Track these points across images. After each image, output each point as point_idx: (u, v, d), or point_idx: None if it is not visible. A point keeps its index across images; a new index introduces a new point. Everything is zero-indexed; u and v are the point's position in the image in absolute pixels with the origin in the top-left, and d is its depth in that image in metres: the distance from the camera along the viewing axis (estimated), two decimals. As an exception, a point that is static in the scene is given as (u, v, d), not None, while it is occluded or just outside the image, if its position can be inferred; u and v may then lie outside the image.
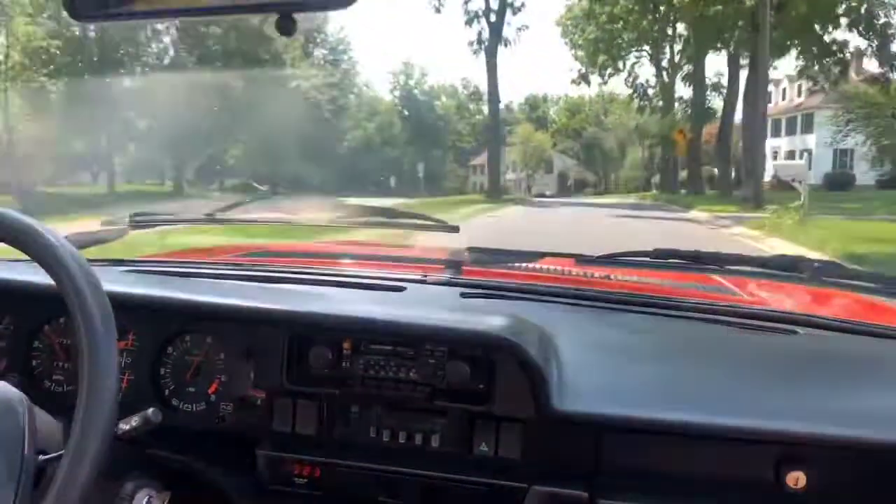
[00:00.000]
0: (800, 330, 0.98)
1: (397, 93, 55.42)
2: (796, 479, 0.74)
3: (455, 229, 1.15)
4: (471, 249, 1.18)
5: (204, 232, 1.61)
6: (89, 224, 1.27)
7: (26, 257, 0.68)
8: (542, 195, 45.40)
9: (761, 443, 0.78)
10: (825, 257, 1.05)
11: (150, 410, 0.64)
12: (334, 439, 0.89)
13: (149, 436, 0.64)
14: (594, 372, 0.87)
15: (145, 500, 0.84)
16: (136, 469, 0.64)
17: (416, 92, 56.41)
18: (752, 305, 1.10)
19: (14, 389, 0.64)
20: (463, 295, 1.08)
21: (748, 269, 1.12)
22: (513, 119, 56.90)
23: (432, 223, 1.20)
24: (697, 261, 1.12)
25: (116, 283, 0.91)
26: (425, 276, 1.15)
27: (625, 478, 0.81)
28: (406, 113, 53.76)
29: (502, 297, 1.07)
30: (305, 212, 1.29)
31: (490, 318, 0.86)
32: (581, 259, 1.18)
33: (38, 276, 0.89)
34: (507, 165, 53.72)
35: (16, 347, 0.97)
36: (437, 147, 54.49)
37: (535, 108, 64.05)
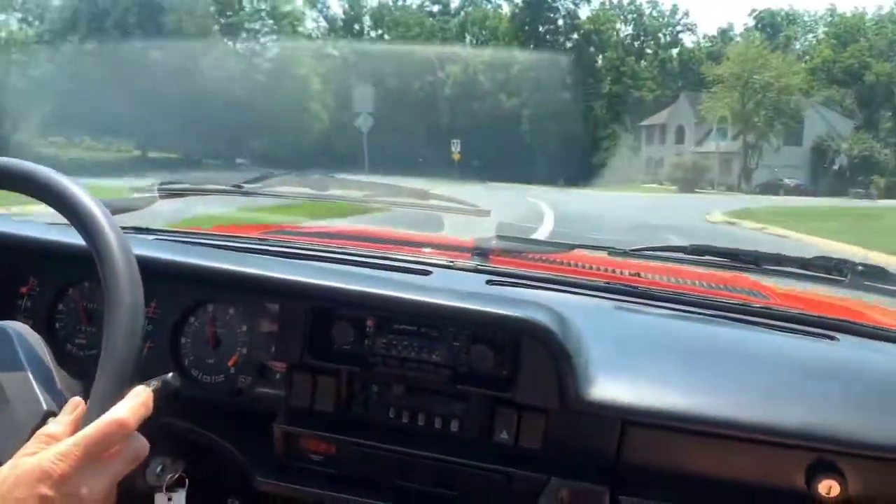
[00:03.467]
0: (839, 336, 1.22)
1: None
2: (829, 487, 0.93)
3: (486, 213, 1.55)
4: (500, 237, 1.54)
5: (232, 205, 2.31)
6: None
7: (53, 218, 0.93)
8: (780, 186, 36.23)
9: (793, 448, 0.95)
10: (870, 261, 1.18)
11: (170, 374, 0.86)
12: (352, 417, 1.13)
13: (165, 405, 0.85)
14: (621, 365, 1.07)
15: (158, 468, 1.13)
16: (150, 438, 0.81)
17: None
18: (788, 308, 1.33)
19: (31, 330, 0.93)
20: (489, 282, 1.37)
21: (787, 269, 1.42)
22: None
23: (463, 206, 1.59)
24: (734, 258, 1.43)
25: (142, 248, 1.14)
26: (452, 261, 1.47)
27: (647, 475, 1.01)
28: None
29: (529, 286, 1.36)
30: (335, 188, 1.74)
31: (517, 302, 1.08)
32: (613, 252, 1.51)
33: (65, 236, 1.17)
34: (703, 126, 45.16)
35: (40, 309, 1.30)
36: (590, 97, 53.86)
37: (773, 32, 52.59)
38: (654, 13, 58.80)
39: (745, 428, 0.97)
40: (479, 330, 1.08)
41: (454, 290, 1.13)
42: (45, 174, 0.92)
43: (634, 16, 58.06)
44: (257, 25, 38.71)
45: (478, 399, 1.09)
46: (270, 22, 38.99)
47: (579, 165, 41.84)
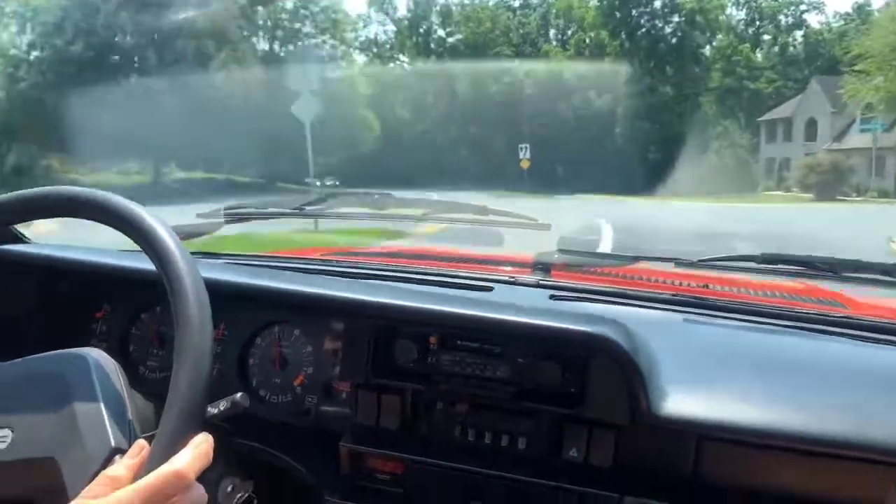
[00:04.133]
0: None
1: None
2: None
3: (546, 227, 1.69)
4: (561, 251, 1.68)
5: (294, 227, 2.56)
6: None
7: (125, 246, 1.07)
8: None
9: (880, 463, 1.00)
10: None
11: (239, 395, 0.95)
12: (418, 436, 1.25)
13: (234, 425, 0.98)
14: (694, 379, 1.16)
15: (229, 488, 1.20)
16: (220, 458, 0.93)
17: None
18: (869, 317, 1.40)
19: (108, 356, 1.03)
20: (552, 297, 1.49)
21: (868, 276, 1.50)
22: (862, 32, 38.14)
23: (524, 221, 1.75)
24: (809, 266, 1.51)
25: (210, 271, 1.32)
26: (514, 277, 1.61)
27: (726, 493, 1.09)
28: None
29: (594, 300, 1.48)
30: (394, 207, 1.94)
31: (585, 318, 1.17)
32: (680, 263, 1.62)
33: (136, 263, 1.35)
34: (842, 117, 39.86)
35: (114, 333, 1.50)
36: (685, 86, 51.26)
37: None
38: (772, -8, 56.63)
39: (828, 443, 1.03)
40: (545, 346, 1.19)
41: (518, 305, 1.25)
42: (118, 203, 1.04)
43: (748, -4, 55.99)
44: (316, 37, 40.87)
45: (545, 416, 1.20)
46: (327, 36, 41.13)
47: (684, 172, 39.05)
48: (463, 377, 1.24)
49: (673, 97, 48.39)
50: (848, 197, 34.85)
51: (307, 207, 1.90)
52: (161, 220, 1.03)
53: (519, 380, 1.21)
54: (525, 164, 34.34)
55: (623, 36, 52.48)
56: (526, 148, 34.57)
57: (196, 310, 0.95)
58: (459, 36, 55.87)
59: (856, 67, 34.53)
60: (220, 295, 1.11)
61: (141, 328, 1.53)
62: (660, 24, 53.72)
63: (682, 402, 1.10)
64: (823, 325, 1.37)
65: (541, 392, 1.20)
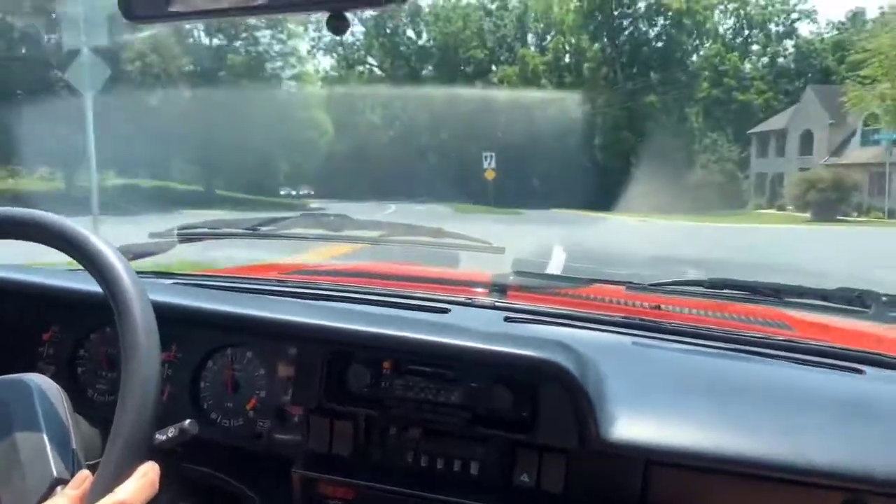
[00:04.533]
0: (865, 368, 1.39)
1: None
2: None
3: (501, 251, 1.81)
4: (517, 273, 1.80)
5: (248, 247, 2.71)
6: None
7: (74, 266, 1.09)
8: None
9: (823, 487, 1.09)
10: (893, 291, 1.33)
11: (188, 422, 0.99)
12: (371, 462, 1.33)
13: (185, 450, 1.06)
14: (642, 403, 1.25)
15: None
16: (170, 484, 0.99)
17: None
18: (813, 341, 1.51)
19: (52, 382, 1.06)
20: (507, 319, 1.60)
21: (809, 301, 1.64)
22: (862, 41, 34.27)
23: (478, 244, 1.86)
24: (754, 291, 1.65)
25: (162, 293, 1.44)
26: (470, 298, 1.72)
27: None
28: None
29: (548, 322, 1.59)
30: (350, 228, 2.04)
31: (536, 343, 1.26)
32: (631, 286, 1.75)
33: (85, 283, 1.41)
34: (843, 129, 38.12)
35: (62, 356, 1.56)
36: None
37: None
38: (762, 1, 57.58)
39: (772, 467, 1.12)
40: (497, 371, 1.28)
41: (472, 329, 1.34)
42: (56, 222, 1.08)
43: (737, 3, 56.72)
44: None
45: (497, 441, 1.29)
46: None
47: (668, 187, 37.63)
48: (416, 402, 1.32)
49: (657, 106, 48.01)
50: (849, 217, 34.00)
51: (262, 228, 2.03)
52: (107, 243, 1.09)
53: (472, 405, 1.29)
54: (490, 175, 33.65)
55: (605, 40, 52.13)
56: (491, 157, 33.70)
57: (143, 336, 0.99)
58: (428, 38, 55.68)
59: (862, 72, 33.20)
60: (170, 318, 1.18)
61: (90, 350, 1.59)
62: (644, 28, 53.53)
63: (629, 427, 1.19)
64: (768, 348, 1.49)
65: (494, 417, 1.28)
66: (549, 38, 56.88)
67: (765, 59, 53.95)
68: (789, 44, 54.76)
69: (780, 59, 53.77)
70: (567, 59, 52.46)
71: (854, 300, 1.62)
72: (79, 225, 1.08)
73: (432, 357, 1.31)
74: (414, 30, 57.72)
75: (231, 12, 0.93)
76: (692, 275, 1.76)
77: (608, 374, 1.30)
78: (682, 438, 1.17)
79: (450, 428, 1.31)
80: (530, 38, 58.43)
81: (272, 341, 1.43)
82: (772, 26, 56.31)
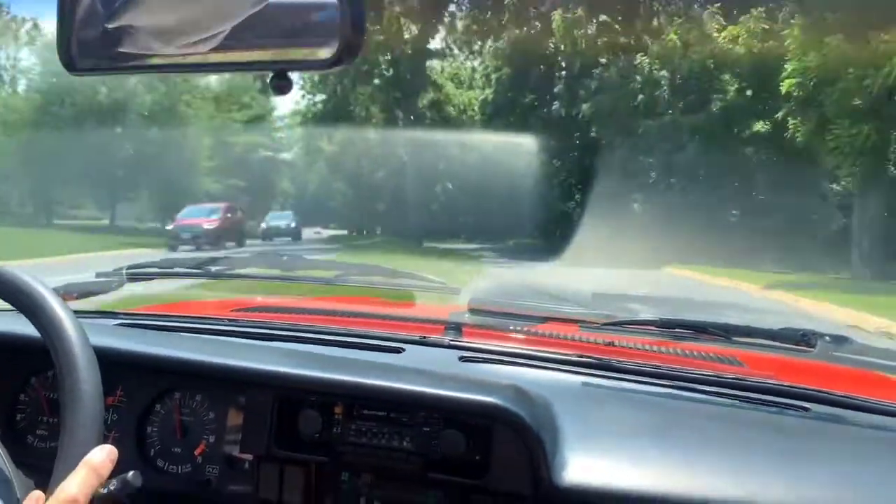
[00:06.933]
0: (810, 406, 1.42)
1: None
2: None
3: (456, 291, 1.84)
4: (472, 311, 1.80)
5: (199, 285, 2.68)
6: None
7: (8, 308, 1.07)
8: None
9: None
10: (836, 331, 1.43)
11: (131, 474, 0.97)
12: None
13: (130, 498, 0.99)
14: (594, 446, 1.25)
15: None
16: None
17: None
18: (762, 378, 1.54)
19: None
20: (462, 359, 1.60)
21: (756, 341, 1.69)
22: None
23: (432, 284, 1.90)
24: (703, 332, 1.68)
25: (107, 336, 1.41)
26: (424, 337, 1.71)
27: None
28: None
29: (503, 362, 1.59)
30: (302, 269, 2.05)
31: (487, 386, 1.27)
32: (585, 325, 1.77)
33: (26, 327, 1.26)
34: None
35: (1, 401, 1.51)
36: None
37: None
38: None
39: None
40: (450, 415, 1.28)
41: (425, 370, 1.34)
42: None
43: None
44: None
45: (452, 486, 1.28)
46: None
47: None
48: (369, 447, 1.31)
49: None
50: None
51: (212, 268, 2.00)
52: (46, 286, 1.07)
53: (425, 450, 1.28)
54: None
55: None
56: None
57: (84, 379, 1.00)
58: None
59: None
60: (116, 362, 1.16)
61: (30, 394, 1.54)
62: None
63: (581, 471, 1.19)
64: (718, 386, 1.51)
65: (448, 462, 1.27)
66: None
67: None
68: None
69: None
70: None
71: (799, 340, 1.66)
72: (13, 266, 1.07)
73: (384, 401, 1.30)
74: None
75: (176, 69, 0.94)
76: (645, 314, 1.79)
77: (561, 416, 1.30)
78: (631, 482, 1.18)
79: (403, 473, 1.30)
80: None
81: (221, 385, 1.41)
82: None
